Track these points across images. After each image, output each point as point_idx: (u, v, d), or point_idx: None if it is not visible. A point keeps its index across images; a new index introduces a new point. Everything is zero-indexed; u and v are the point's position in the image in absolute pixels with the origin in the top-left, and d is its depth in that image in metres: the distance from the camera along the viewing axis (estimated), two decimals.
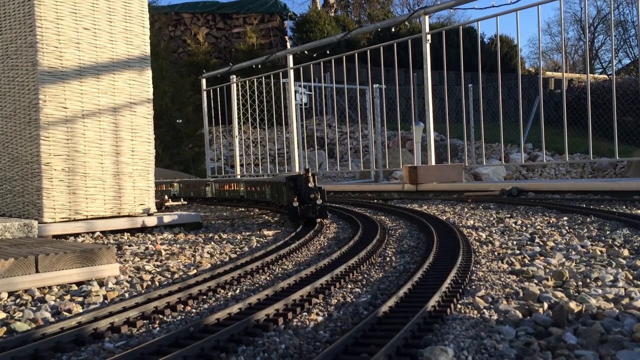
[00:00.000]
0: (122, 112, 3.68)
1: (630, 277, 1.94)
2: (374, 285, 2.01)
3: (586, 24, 7.47)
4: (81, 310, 1.85)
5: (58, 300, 1.98)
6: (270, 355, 1.35)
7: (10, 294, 2.05)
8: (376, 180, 8.31)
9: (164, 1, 27.45)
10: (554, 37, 26.58)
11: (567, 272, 1.96)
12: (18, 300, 1.98)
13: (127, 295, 2.04)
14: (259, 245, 3.05)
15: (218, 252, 2.86)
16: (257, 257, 2.52)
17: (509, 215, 3.64)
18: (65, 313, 1.82)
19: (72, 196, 3.47)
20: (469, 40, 11.21)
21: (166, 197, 5.04)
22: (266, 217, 4.33)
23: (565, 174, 10.99)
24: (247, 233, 3.51)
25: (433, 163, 5.91)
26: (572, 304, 1.58)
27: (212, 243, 3.16)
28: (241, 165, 8.70)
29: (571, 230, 2.95)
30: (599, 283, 1.89)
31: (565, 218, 3.37)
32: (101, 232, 3.50)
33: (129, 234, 3.58)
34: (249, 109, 8.35)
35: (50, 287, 2.14)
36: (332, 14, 19.53)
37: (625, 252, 2.33)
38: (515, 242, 2.69)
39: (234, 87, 8.52)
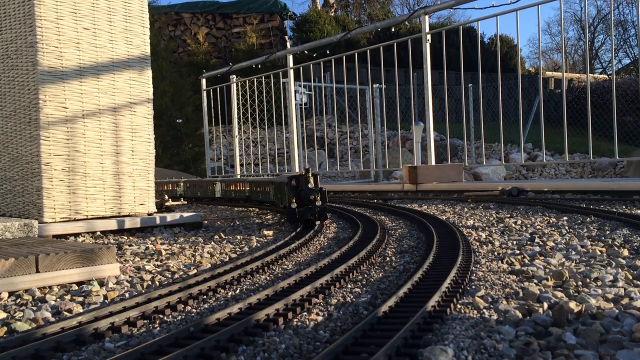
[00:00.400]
0: (122, 112, 3.68)
1: (630, 277, 1.94)
2: (373, 285, 2.01)
3: (586, 23, 7.47)
4: (81, 310, 1.85)
5: (58, 300, 1.98)
6: (271, 355, 1.35)
7: (10, 293, 2.05)
8: (376, 180, 8.31)
9: (164, 1, 27.44)
10: (554, 36, 26.59)
11: (567, 272, 1.96)
12: (18, 300, 1.98)
13: (127, 295, 2.04)
14: (259, 245, 3.05)
15: (218, 252, 2.86)
16: (257, 257, 2.52)
17: (508, 215, 3.64)
18: (65, 313, 1.82)
19: (72, 196, 3.47)
20: (469, 40, 11.21)
21: (166, 196, 5.02)
22: (266, 217, 4.33)
23: (565, 173, 10.99)
24: (247, 233, 3.51)
25: (433, 163, 5.91)
26: (572, 304, 1.58)
27: (212, 243, 3.16)
28: (241, 165, 8.70)
29: (571, 230, 2.96)
30: (599, 283, 1.89)
31: (565, 218, 3.37)
32: (101, 232, 3.51)
33: (129, 234, 3.58)
34: (249, 108, 8.35)
35: (50, 287, 2.14)
36: (332, 14, 19.53)
37: (625, 252, 2.34)
38: (515, 242, 2.69)
39: (233, 87, 8.52)
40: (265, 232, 3.47)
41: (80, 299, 1.99)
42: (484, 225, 3.29)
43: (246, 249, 2.95)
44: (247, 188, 5.10)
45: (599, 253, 2.35)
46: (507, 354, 1.29)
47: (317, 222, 3.41)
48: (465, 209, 4.12)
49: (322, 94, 8.42)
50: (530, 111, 13.80)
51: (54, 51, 3.42)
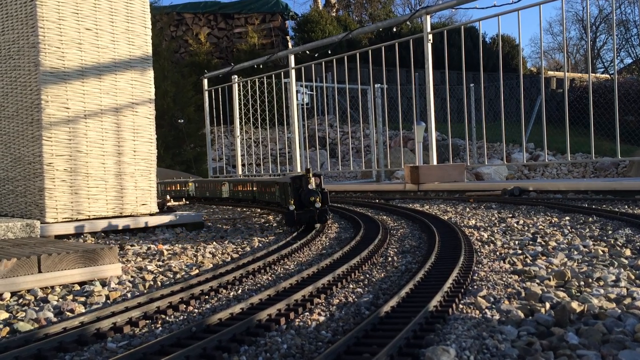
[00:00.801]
0: (124, 113, 3.69)
1: (633, 277, 1.94)
2: (375, 285, 2.01)
3: (588, 23, 7.47)
4: (84, 310, 1.86)
5: (61, 300, 1.98)
6: (272, 356, 1.35)
7: (13, 294, 2.05)
8: (378, 180, 8.31)
9: (165, 1, 27.48)
10: (556, 36, 26.53)
11: (569, 272, 1.96)
12: (21, 300, 1.98)
13: (129, 295, 2.05)
14: (260, 245, 3.05)
15: (220, 252, 2.86)
16: (258, 257, 2.52)
17: (510, 215, 3.64)
18: (67, 313, 1.82)
19: (74, 196, 3.48)
20: (470, 40, 11.21)
21: (168, 197, 5.02)
22: (268, 217, 4.33)
23: (567, 173, 10.98)
24: (249, 233, 3.51)
25: (435, 163, 5.90)
26: (574, 304, 1.58)
27: (214, 243, 3.17)
28: (243, 165, 8.70)
29: (573, 230, 2.95)
30: (601, 283, 1.89)
31: (567, 218, 3.37)
32: (103, 232, 3.51)
33: (131, 234, 3.58)
34: (251, 109, 8.35)
35: (52, 287, 2.15)
36: (334, 14, 19.53)
37: (628, 252, 2.33)
38: (517, 242, 2.68)
39: (235, 87, 8.52)
40: (267, 232, 3.47)
41: (83, 299, 1.99)
42: (486, 225, 3.29)
43: (248, 249, 2.95)
44: (254, 188, 5.02)
45: (601, 253, 2.35)
46: (509, 354, 1.29)
47: (317, 225, 3.31)
48: (467, 209, 4.12)
49: (323, 94, 8.43)
50: (532, 111, 13.78)
51: (56, 52, 3.42)
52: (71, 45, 3.48)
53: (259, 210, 4.87)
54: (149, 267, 2.51)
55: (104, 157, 3.59)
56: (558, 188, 4.88)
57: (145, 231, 3.67)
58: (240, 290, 2.03)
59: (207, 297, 1.94)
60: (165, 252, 2.88)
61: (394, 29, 6.58)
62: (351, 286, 2.00)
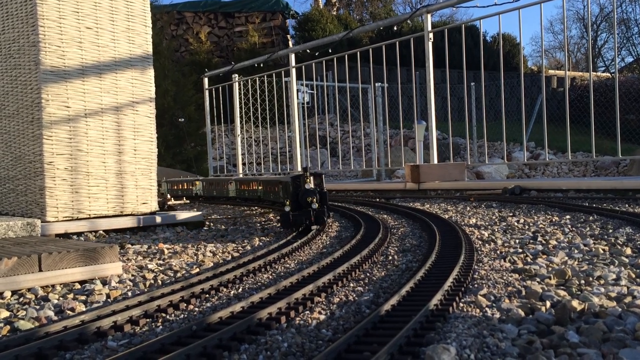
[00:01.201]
0: (125, 111, 3.69)
1: (633, 276, 1.94)
2: (376, 283, 2.01)
3: (589, 22, 7.46)
4: (84, 309, 1.86)
5: (61, 298, 1.99)
6: (273, 354, 1.35)
7: (13, 292, 2.05)
8: (378, 179, 8.31)
9: (166, 0, 27.46)
10: (557, 35, 26.51)
11: (569, 271, 1.96)
12: (21, 299, 1.98)
13: (130, 293, 2.05)
14: (261, 244, 3.05)
15: (220, 251, 2.87)
16: (259, 255, 2.52)
17: (511, 214, 3.63)
18: (68, 312, 1.82)
19: (74, 195, 3.48)
20: (471, 39, 11.19)
21: (168, 195, 5.01)
22: (269, 216, 4.33)
23: (567, 172, 10.97)
24: (250, 232, 3.52)
25: (435, 162, 5.90)
26: (575, 303, 1.58)
27: (215, 242, 3.17)
28: (243, 164, 8.70)
29: (574, 228, 2.95)
30: (602, 281, 1.88)
31: (568, 216, 3.37)
32: (104, 230, 3.51)
33: (131, 233, 3.59)
34: (251, 107, 8.35)
35: (53, 286, 2.15)
36: (334, 13, 19.52)
37: (628, 251, 2.33)
38: (517, 241, 2.68)
39: (236, 86, 8.52)
40: (268, 231, 3.47)
41: (83, 297, 1.99)
42: (487, 223, 3.29)
43: (248, 247, 2.95)
44: (260, 188, 4.95)
45: (602, 251, 2.35)
46: (509, 352, 1.29)
47: (314, 227, 3.18)
48: (468, 208, 4.12)
49: (324, 92, 8.42)
50: (532, 110, 13.78)
51: (57, 50, 3.42)
52: (72, 44, 3.48)
53: (259, 209, 4.87)
54: (150, 266, 2.51)
55: (105, 156, 3.60)
56: (559, 187, 4.88)
57: (146, 230, 3.67)
58: (240, 289, 2.03)
59: (207, 295, 1.94)
60: (166, 251, 2.88)
61: (395, 28, 6.57)
62: (352, 285, 2.00)
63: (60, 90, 3.43)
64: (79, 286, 2.17)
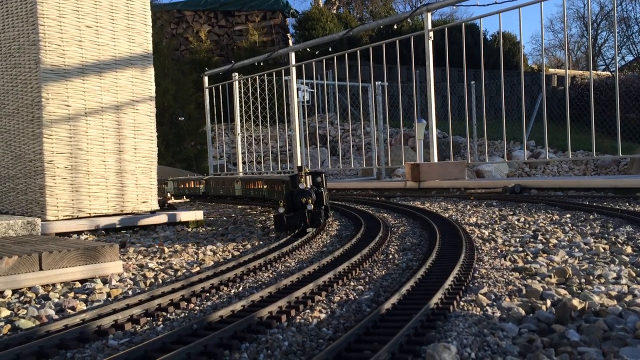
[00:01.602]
0: (125, 110, 3.69)
1: (634, 274, 1.94)
2: (376, 282, 2.01)
3: (589, 20, 7.46)
4: (85, 308, 1.86)
5: (62, 297, 1.99)
6: (274, 353, 1.35)
7: (14, 291, 2.05)
8: (378, 177, 8.31)
9: None
10: (557, 33, 26.50)
11: (570, 270, 1.96)
12: (22, 298, 1.98)
13: (130, 292, 2.05)
14: (261, 242, 3.05)
15: (221, 250, 2.87)
16: (259, 254, 2.52)
17: (511, 213, 3.63)
18: (69, 310, 1.82)
19: (75, 194, 3.48)
20: (471, 37, 11.19)
21: (169, 194, 5.01)
22: (270, 215, 4.33)
23: (568, 171, 10.98)
24: (250, 230, 3.52)
25: (435, 160, 5.90)
26: (575, 301, 1.58)
27: (215, 241, 3.17)
28: (244, 163, 8.70)
29: (574, 227, 2.95)
30: (602, 280, 1.88)
31: (568, 215, 3.37)
32: (104, 229, 3.51)
33: (132, 232, 3.59)
34: (251, 106, 8.35)
35: (54, 285, 2.15)
36: (334, 11, 19.51)
37: (629, 249, 2.33)
38: (518, 240, 2.68)
39: (236, 85, 8.52)
40: (268, 230, 3.47)
41: (84, 296, 1.99)
42: (487, 222, 3.29)
43: (249, 246, 2.95)
44: (265, 187, 4.90)
45: (602, 250, 2.35)
46: (510, 351, 1.29)
47: (309, 230, 3.03)
48: (468, 207, 4.12)
49: (324, 91, 8.42)
50: (533, 108, 13.77)
51: (57, 49, 3.42)
52: (71, 43, 3.48)
53: (260, 208, 4.87)
54: (150, 265, 2.51)
55: (105, 155, 3.59)
56: (559, 185, 4.88)
57: (146, 229, 3.67)
58: (241, 288, 2.03)
59: (208, 294, 1.94)
60: (166, 250, 2.88)
61: (395, 27, 6.56)
62: (352, 283, 2.00)
63: (60, 89, 3.42)
64: (80, 285, 2.17)
